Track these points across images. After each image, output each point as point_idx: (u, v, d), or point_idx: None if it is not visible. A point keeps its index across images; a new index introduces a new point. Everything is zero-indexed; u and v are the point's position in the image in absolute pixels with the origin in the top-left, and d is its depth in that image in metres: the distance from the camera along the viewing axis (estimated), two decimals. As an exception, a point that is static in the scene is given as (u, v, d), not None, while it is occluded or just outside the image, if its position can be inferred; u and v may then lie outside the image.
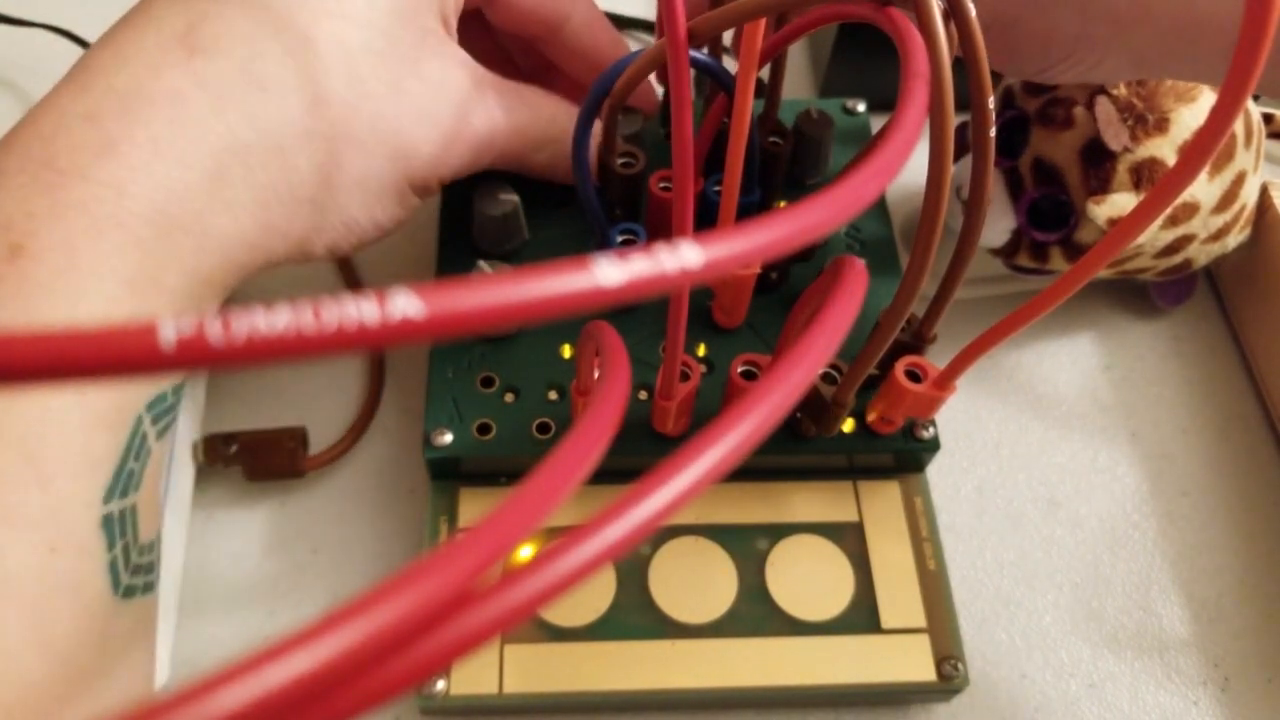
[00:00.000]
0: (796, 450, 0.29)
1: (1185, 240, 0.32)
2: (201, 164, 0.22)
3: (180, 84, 0.22)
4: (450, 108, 0.26)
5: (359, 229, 0.26)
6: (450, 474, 0.29)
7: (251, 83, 0.23)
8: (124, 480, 0.20)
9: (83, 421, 0.20)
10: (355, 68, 0.24)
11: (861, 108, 0.36)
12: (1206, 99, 0.30)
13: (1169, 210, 0.30)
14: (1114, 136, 0.29)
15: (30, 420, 0.19)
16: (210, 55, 0.22)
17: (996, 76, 0.26)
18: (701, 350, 0.30)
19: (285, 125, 0.23)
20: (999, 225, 0.32)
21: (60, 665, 0.19)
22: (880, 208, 0.34)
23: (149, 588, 0.22)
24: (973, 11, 0.19)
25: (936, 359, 0.26)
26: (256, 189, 0.23)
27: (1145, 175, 0.30)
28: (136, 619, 0.21)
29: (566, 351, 0.30)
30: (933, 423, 0.29)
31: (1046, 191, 0.31)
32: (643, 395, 0.29)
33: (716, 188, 0.30)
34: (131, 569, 0.21)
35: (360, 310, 0.09)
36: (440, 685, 0.26)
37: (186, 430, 0.30)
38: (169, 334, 0.08)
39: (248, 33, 0.23)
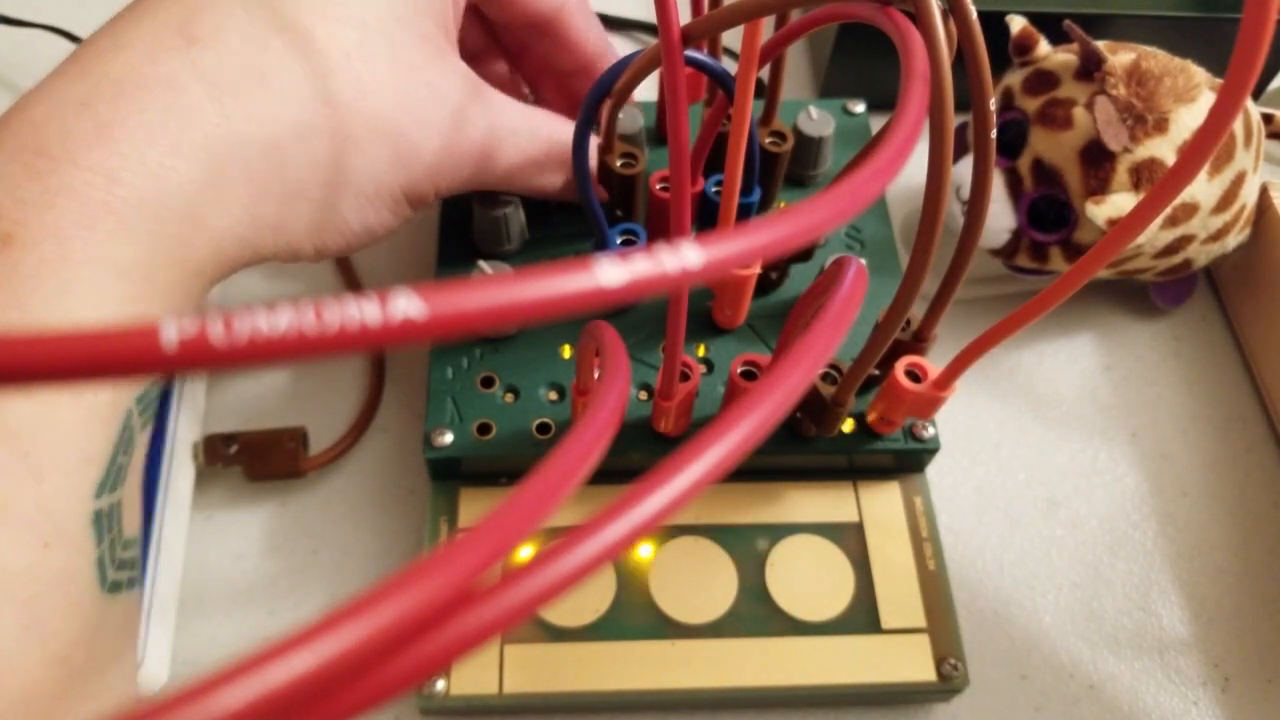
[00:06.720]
0: (796, 450, 0.29)
1: (1185, 240, 0.32)
2: (195, 154, 0.21)
3: (177, 72, 0.22)
4: (448, 117, 0.26)
5: (349, 232, 0.26)
6: (450, 474, 0.29)
7: (251, 76, 0.22)
8: (114, 475, 0.20)
9: (77, 416, 0.19)
10: (355, 69, 0.24)
11: (861, 108, 0.36)
12: (1206, 99, 0.30)
13: (1168, 210, 0.30)
14: (1113, 137, 0.29)
15: (24, 416, 0.19)
16: (208, 45, 0.22)
17: (997, 76, 0.26)
18: (701, 350, 0.30)
19: (284, 121, 0.23)
20: (999, 226, 0.32)
21: (54, 664, 0.18)
22: (880, 208, 0.34)
23: (133, 583, 0.22)
24: (973, 12, 0.19)
25: (936, 359, 0.26)
26: (251, 183, 0.22)
27: (1145, 175, 0.30)
28: (123, 615, 0.21)
29: (566, 352, 0.30)
30: (933, 423, 0.29)
31: (1046, 192, 0.31)
32: (643, 395, 0.29)
33: (716, 188, 0.30)
34: (117, 564, 0.21)
35: (362, 311, 0.09)
36: (440, 685, 0.26)
37: (187, 430, 0.30)
38: (171, 335, 0.08)
39: (248, 27, 0.23)
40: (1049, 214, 0.32)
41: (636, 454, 0.28)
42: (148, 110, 0.21)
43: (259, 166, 0.23)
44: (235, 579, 0.30)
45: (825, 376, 0.27)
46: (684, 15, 0.22)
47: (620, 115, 0.28)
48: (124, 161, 0.20)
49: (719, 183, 0.30)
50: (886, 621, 0.28)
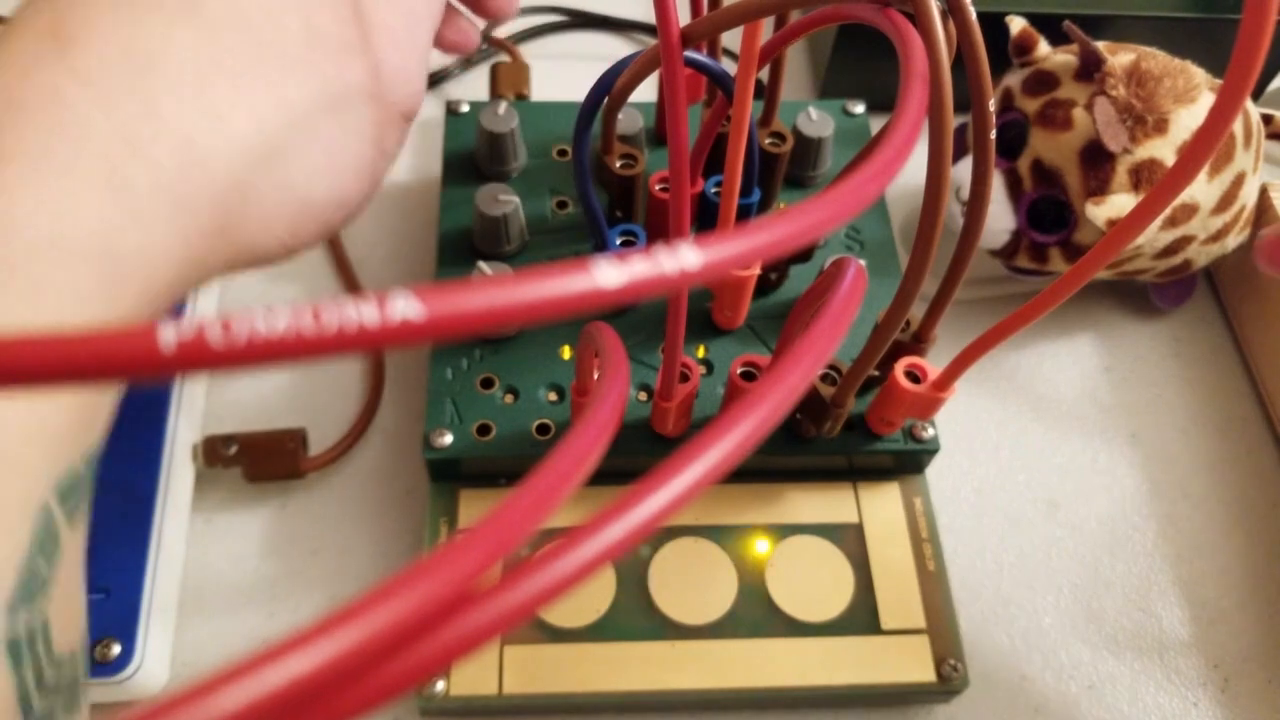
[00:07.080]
0: (796, 451, 0.29)
1: (1184, 241, 0.32)
2: (93, 171, 0.18)
3: (56, 81, 0.18)
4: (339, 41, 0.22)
5: (315, 203, 0.22)
6: (450, 475, 0.29)
7: (138, 67, 0.19)
8: (30, 587, 0.16)
9: None
10: (257, 30, 0.20)
11: (861, 109, 0.36)
12: (1205, 100, 0.30)
13: (1168, 211, 0.30)
14: (1113, 138, 0.29)
15: None
16: (84, 44, 0.19)
17: (996, 77, 0.26)
18: (701, 352, 0.30)
19: (184, 105, 0.19)
20: (998, 226, 0.32)
21: None
22: (880, 208, 0.34)
23: (71, 707, 0.18)
24: (972, 13, 0.19)
25: (936, 360, 0.26)
26: (168, 189, 0.19)
27: (1144, 176, 0.30)
28: None
29: (566, 353, 0.30)
30: (932, 424, 0.29)
31: (1046, 193, 0.31)
32: (643, 397, 0.29)
33: (716, 189, 0.30)
34: (47, 690, 0.17)
35: (360, 312, 0.09)
36: (440, 686, 0.26)
37: (186, 432, 0.30)
38: (169, 337, 0.08)
39: (120, 11, 0.19)
40: (1049, 215, 0.32)
41: (636, 455, 0.28)
42: (28, 133, 0.18)
43: (174, 168, 0.19)
44: (235, 580, 0.30)
45: (825, 377, 0.27)
46: (684, 16, 0.22)
47: (620, 116, 0.28)
48: (12, 197, 0.17)
49: (719, 184, 0.30)
50: (886, 622, 0.28)
